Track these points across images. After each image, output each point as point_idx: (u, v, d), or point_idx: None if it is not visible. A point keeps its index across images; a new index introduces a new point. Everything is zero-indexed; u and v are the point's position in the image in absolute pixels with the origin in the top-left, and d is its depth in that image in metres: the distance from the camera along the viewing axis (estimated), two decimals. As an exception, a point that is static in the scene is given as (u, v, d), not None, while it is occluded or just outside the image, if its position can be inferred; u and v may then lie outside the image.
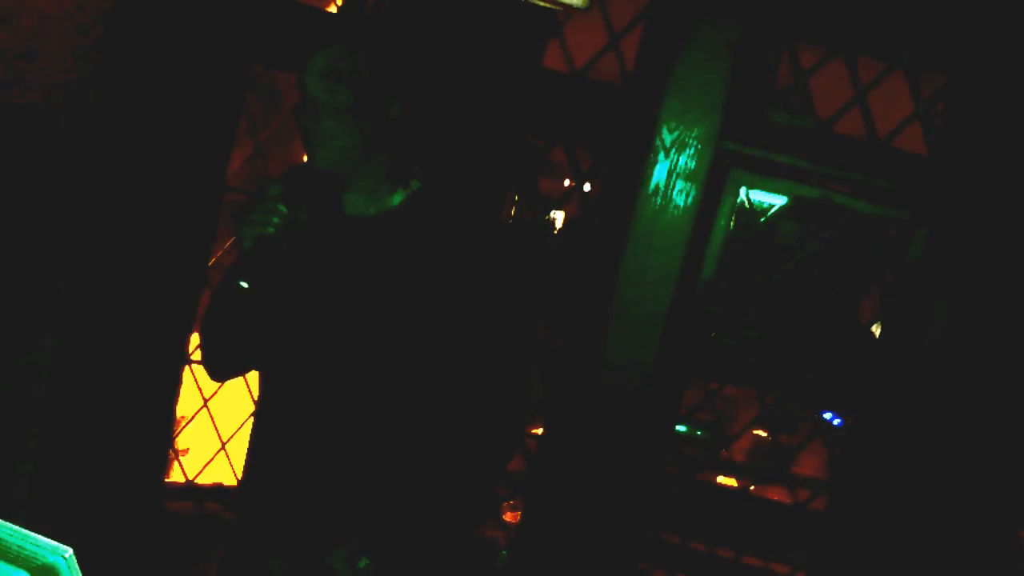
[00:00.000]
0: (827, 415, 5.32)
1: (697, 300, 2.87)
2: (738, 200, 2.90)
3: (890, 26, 2.90)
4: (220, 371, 2.04)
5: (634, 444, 2.87)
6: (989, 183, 2.85)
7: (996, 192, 2.85)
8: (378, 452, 1.86)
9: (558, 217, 6.89)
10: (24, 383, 2.63)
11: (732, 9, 2.75)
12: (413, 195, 1.90)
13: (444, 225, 1.88)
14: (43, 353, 2.64)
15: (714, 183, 2.82)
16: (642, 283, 2.79)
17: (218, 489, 3.32)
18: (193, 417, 3.44)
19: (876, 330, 3.19)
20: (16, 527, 0.94)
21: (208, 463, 3.43)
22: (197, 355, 2.62)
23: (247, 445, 2.16)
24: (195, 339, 2.26)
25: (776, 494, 4.31)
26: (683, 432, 5.04)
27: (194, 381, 3.32)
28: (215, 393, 3.39)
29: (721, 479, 4.84)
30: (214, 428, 3.42)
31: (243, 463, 2.13)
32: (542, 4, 2.53)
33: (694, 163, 2.77)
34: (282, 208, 1.81)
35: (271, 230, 1.81)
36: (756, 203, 3.24)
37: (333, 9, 3.37)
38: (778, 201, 3.08)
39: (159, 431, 2.91)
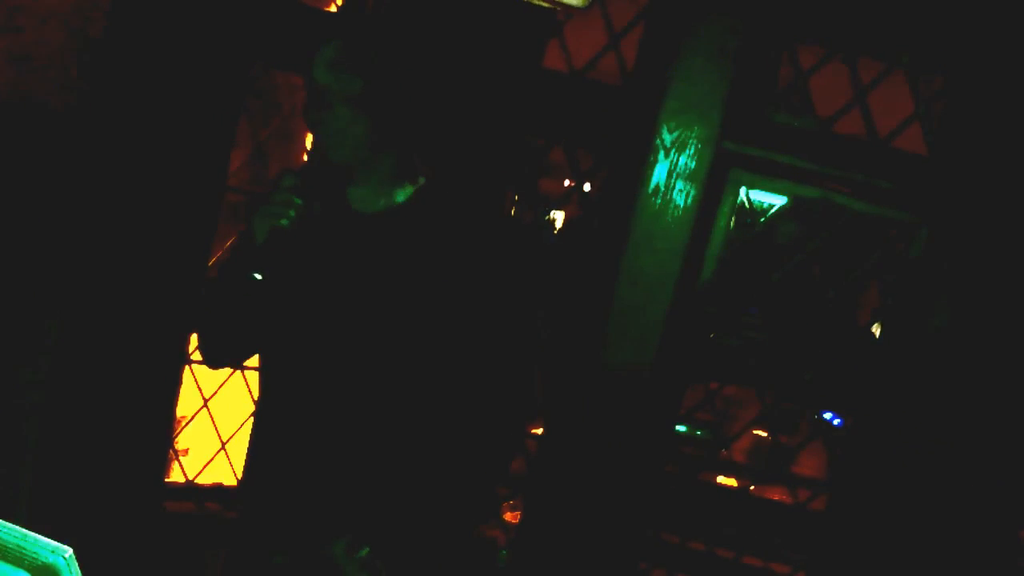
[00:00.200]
0: (827, 415, 5.32)
1: (697, 300, 2.87)
2: (738, 200, 2.90)
3: (890, 26, 2.90)
4: (218, 361, 2.05)
5: (634, 444, 2.87)
6: (989, 183, 2.85)
7: (997, 192, 2.85)
8: (379, 447, 1.86)
9: (558, 217, 6.90)
10: (24, 382, 2.63)
11: (732, 9, 2.75)
12: (418, 192, 1.90)
13: (449, 222, 1.88)
14: (43, 353, 2.64)
15: (714, 183, 2.82)
16: (642, 283, 2.80)
17: (218, 489, 3.32)
18: (193, 417, 3.44)
19: (876, 330, 3.18)
20: (16, 527, 0.94)
21: (208, 463, 3.43)
22: (197, 355, 2.62)
23: (247, 444, 2.16)
24: (195, 340, 2.25)
25: (776, 494, 4.31)
26: (683, 432, 5.04)
27: (194, 381, 3.32)
28: (215, 393, 3.39)
29: (721, 479, 4.84)
30: (214, 428, 3.42)
31: (243, 462, 2.13)
32: (542, 4, 2.53)
33: (694, 163, 2.77)
34: (297, 200, 1.81)
35: (285, 222, 1.81)
36: (756, 203, 3.24)
37: (333, 9, 3.37)
38: (778, 201, 3.08)
39: (159, 431, 2.91)
